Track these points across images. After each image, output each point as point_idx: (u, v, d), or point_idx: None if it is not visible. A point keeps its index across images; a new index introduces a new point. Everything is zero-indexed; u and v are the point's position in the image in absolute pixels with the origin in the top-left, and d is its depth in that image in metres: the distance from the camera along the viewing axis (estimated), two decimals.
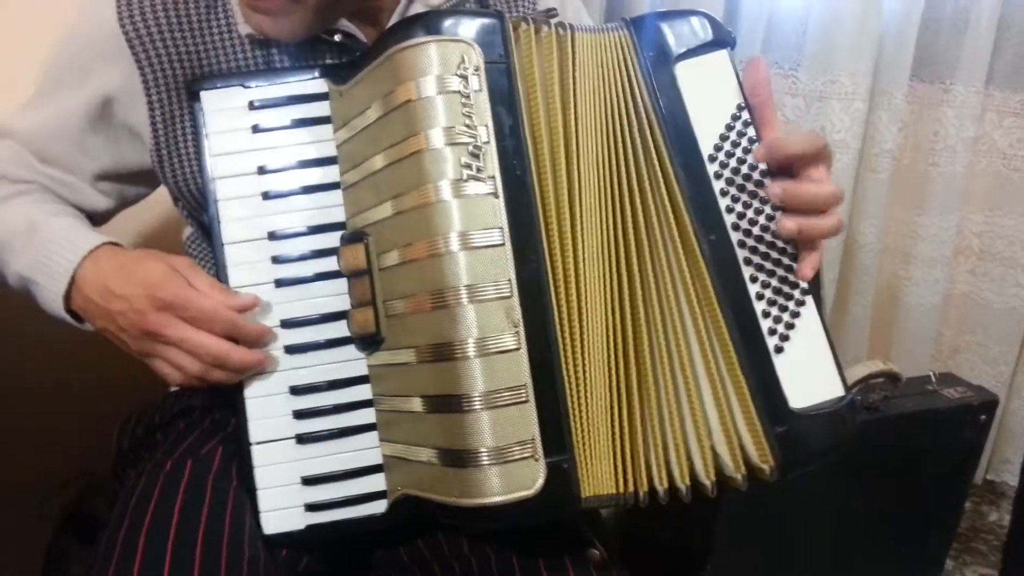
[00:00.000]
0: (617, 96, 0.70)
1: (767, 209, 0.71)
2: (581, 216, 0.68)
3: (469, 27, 0.66)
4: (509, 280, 0.64)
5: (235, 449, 0.74)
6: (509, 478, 0.63)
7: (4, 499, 1.18)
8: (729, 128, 0.71)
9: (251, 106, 0.72)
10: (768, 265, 0.70)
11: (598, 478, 0.67)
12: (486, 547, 0.76)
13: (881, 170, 1.67)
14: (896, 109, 1.64)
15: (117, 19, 0.75)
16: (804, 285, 0.71)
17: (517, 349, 0.64)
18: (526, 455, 0.63)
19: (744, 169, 0.71)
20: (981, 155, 1.77)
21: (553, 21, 0.69)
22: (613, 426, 0.68)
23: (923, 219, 1.78)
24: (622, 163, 0.70)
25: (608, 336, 0.68)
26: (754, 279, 0.70)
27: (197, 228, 0.88)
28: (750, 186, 0.71)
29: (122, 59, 0.76)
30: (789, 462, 0.68)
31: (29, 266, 0.74)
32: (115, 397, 0.97)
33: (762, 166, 0.71)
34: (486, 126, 0.65)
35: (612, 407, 0.68)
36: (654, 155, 0.70)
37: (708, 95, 0.71)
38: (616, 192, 0.69)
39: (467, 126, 0.64)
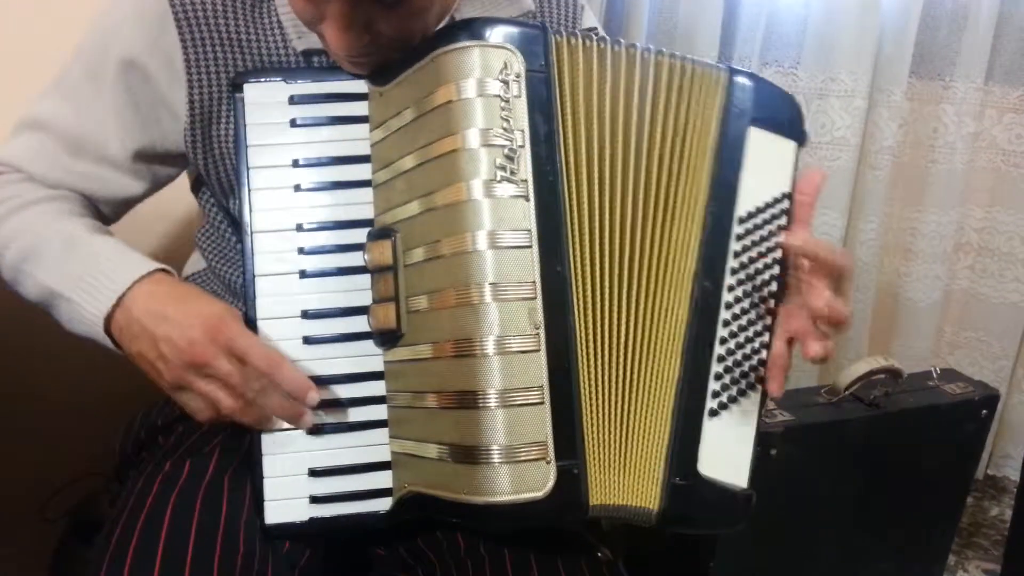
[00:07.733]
0: (678, 122, 0.72)
1: (764, 291, 0.73)
2: (606, 228, 0.69)
3: (513, 35, 0.67)
4: (533, 282, 0.65)
5: (234, 447, 0.74)
6: (519, 478, 0.63)
7: (9, 501, 1.18)
8: (768, 205, 0.74)
9: (291, 100, 0.72)
10: (741, 338, 0.72)
11: (607, 488, 0.67)
12: (483, 548, 0.76)
13: (881, 167, 1.68)
14: (896, 106, 1.65)
15: None
16: (762, 372, 0.72)
17: (536, 351, 0.64)
18: (538, 456, 0.63)
19: (763, 247, 0.73)
20: (980, 151, 1.78)
21: (595, 36, 0.70)
22: (625, 437, 0.68)
23: (923, 215, 1.78)
24: (654, 184, 0.71)
25: (625, 347, 0.69)
26: (723, 341, 0.72)
27: (218, 215, 0.86)
28: (759, 264, 0.73)
29: (166, 35, 0.75)
30: (672, 515, 0.69)
31: (64, 281, 0.70)
32: (119, 399, 0.97)
33: (776, 254, 0.73)
34: (522, 131, 0.66)
35: (625, 418, 0.68)
36: (693, 186, 0.72)
37: (763, 169, 0.74)
38: (642, 210, 0.71)
39: (504, 129, 0.65)
